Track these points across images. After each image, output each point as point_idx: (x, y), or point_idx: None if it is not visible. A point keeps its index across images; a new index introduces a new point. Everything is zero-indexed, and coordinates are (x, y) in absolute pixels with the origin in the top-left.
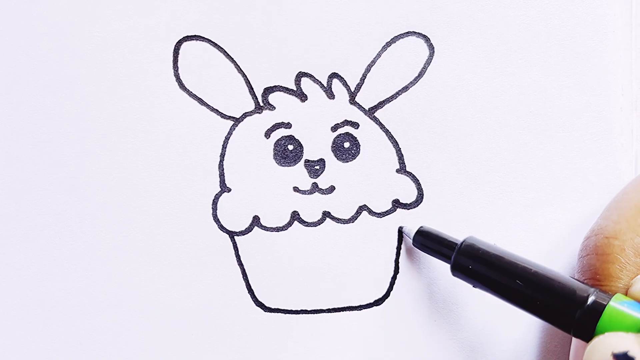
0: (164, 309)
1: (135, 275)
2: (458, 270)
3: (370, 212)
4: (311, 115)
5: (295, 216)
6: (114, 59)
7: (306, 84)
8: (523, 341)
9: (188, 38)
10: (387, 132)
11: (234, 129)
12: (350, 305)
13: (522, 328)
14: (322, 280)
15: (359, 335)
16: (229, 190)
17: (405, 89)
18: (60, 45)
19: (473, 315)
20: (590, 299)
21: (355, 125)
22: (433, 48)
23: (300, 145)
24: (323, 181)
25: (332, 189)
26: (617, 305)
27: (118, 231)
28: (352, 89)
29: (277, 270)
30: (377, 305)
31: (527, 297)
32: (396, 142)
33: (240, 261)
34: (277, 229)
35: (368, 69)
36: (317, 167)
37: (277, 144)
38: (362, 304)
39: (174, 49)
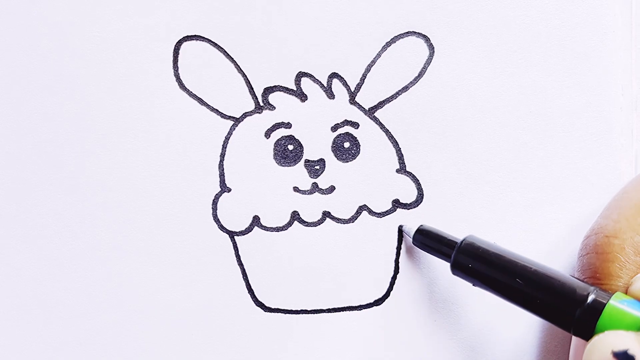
0: (164, 309)
1: (135, 275)
2: (458, 268)
3: (370, 212)
4: (311, 115)
5: (295, 216)
6: (114, 59)
7: (306, 84)
8: (523, 341)
9: (188, 38)
10: (387, 132)
11: (234, 129)
12: (350, 305)
13: (522, 328)
14: (322, 280)
15: (359, 335)
16: (229, 190)
17: (405, 89)
18: (60, 45)
19: (473, 315)
20: (590, 298)
21: (355, 125)
22: (433, 48)
23: (300, 145)
24: (323, 181)
25: (332, 189)
26: (617, 303)
27: (118, 231)
28: (352, 89)
29: (277, 270)
30: (377, 305)
31: (527, 296)
32: (396, 142)
33: (240, 261)
34: (277, 229)
35: (368, 69)
36: (317, 167)
37: (277, 144)
38: (362, 304)
39: (174, 49)
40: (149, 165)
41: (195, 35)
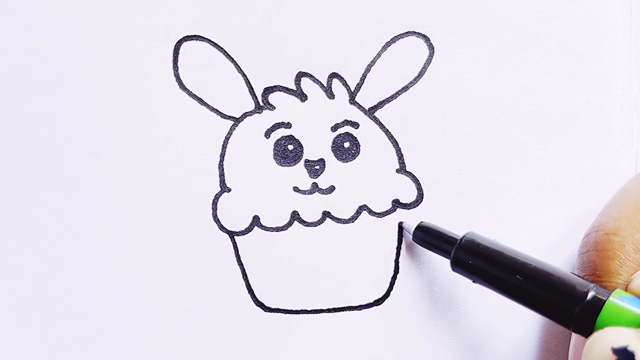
0: (164, 309)
1: (135, 275)
2: (458, 265)
3: (370, 212)
4: (311, 115)
5: (295, 216)
6: (114, 59)
7: (306, 84)
8: (523, 341)
9: (188, 38)
10: (387, 132)
11: (234, 129)
12: (350, 305)
13: (522, 328)
14: (322, 280)
15: (359, 335)
16: (229, 190)
17: (405, 89)
18: (60, 45)
19: (473, 315)
20: (590, 295)
21: (355, 125)
22: (433, 48)
23: (300, 145)
24: (323, 181)
25: (332, 189)
26: (616, 300)
27: (118, 231)
28: (352, 89)
29: (277, 270)
30: (377, 305)
31: (527, 293)
32: (396, 142)
33: (240, 261)
34: (277, 229)
35: (368, 69)
36: (317, 167)
37: (277, 144)
38: (362, 304)
39: (174, 49)
40: (149, 165)
41: (195, 35)
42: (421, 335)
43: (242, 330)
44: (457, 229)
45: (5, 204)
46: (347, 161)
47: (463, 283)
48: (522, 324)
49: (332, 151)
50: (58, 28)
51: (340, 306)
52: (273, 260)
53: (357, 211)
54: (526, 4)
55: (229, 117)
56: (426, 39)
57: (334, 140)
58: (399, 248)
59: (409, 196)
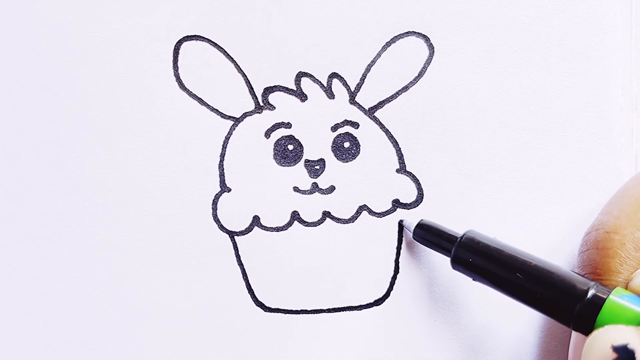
0: (164, 309)
1: (135, 275)
2: (458, 263)
3: (370, 212)
4: (311, 115)
5: (295, 216)
6: (114, 59)
7: (306, 84)
8: (523, 341)
9: (188, 38)
10: (387, 132)
11: (234, 129)
12: (350, 305)
13: (522, 328)
14: (322, 280)
15: (359, 335)
16: (229, 190)
17: (405, 88)
18: (60, 45)
19: (473, 316)
20: (590, 293)
21: (355, 125)
22: (433, 48)
23: (300, 145)
24: (323, 181)
25: (332, 189)
26: (617, 298)
27: (118, 231)
28: (352, 89)
29: (277, 270)
30: (377, 305)
31: (527, 291)
32: (396, 142)
33: (240, 261)
34: (277, 229)
35: (368, 69)
36: (317, 167)
37: (277, 143)
38: (362, 304)
39: (174, 49)
40: (149, 165)
41: (195, 35)
42: (421, 335)
43: (242, 330)
44: (457, 229)
45: (5, 204)
46: (347, 161)
47: (463, 283)
48: (522, 324)
49: (332, 151)
50: (58, 28)
51: (340, 306)
52: (273, 260)
53: (357, 211)
54: (526, 4)
55: (229, 117)
56: (426, 39)
57: (334, 140)
58: (399, 248)
59: (409, 196)
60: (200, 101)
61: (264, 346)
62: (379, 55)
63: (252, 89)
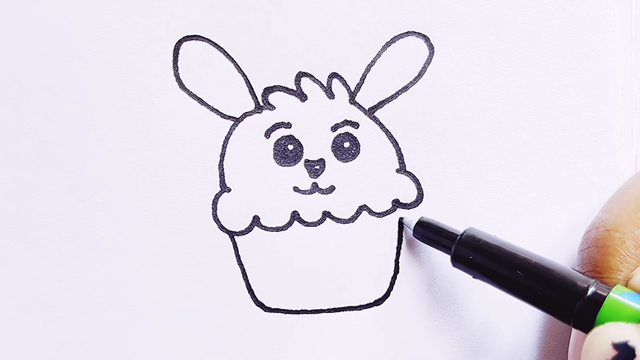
0: (164, 309)
1: (135, 275)
2: (458, 261)
3: (370, 212)
4: (311, 115)
5: (295, 216)
6: (114, 59)
7: (306, 84)
8: (523, 341)
9: (188, 38)
10: (387, 132)
11: (234, 129)
12: (350, 305)
13: (522, 328)
14: (322, 280)
15: (359, 335)
16: (229, 190)
17: (405, 88)
18: (60, 45)
19: (473, 316)
20: (591, 290)
21: (355, 125)
22: (433, 48)
23: (300, 145)
24: (323, 181)
25: (332, 188)
26: (617, 296)
27: (118, 231)
28: (352, 89)
29: (277, 270)
30: (377, 305)
31: (527, 288)
32: (396, 142)
33: (240, 261)
34: (277, 229)
35: (368, 69)
36: (317, 167)
37: (277, 143)
38: (362, 304)
39: (174, 49)
40: (149, 165)
41: (195, 35)
42: (421, 335)
43: (242, 330)
44: (457, 229)
45: (5, 204)
46: (347, 161)
47: (463, 283)
48: (522, 324)
49: (332, 151)
50: (58, 28)
51: (340, 306)
52: (273, 260)
53: (357, 211)
54: (526, 4)
55: (229, 117)
56: (426, 39)
57: (334, 140)
58: (399, 248)
59: (409, 196)
60: (200, 101)
61: (264, 346)
62: (379, 55)
63: (252, 89)
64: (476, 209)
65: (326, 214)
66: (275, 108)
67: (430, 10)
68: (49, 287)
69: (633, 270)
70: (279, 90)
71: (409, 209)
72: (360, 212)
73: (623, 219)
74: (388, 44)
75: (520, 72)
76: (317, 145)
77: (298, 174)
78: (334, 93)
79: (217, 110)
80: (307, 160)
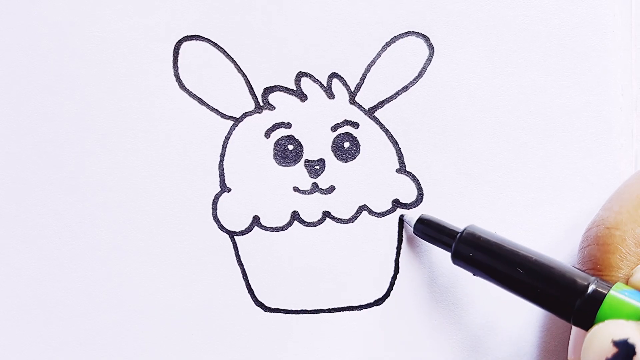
0: (164, 309)
1: (135, 275)
2: (459, 258)
3: (370, 212)
4: (311, 115)
5: (295, 216)
6: (114, 59)
7: (306, 84)
8: (523, 341)
9: (188, 38)
10: (387, 132)
11: (234, 129)
12: (350, 305)
13: (522, 328)
14: (322, 280)
15: (359, 335)
16: (229, 190)
17: (405, 88)
18: (60, 45)
19: (473, 315)
20: (591, 288)
21: (355, 125)
22: (433, 48)
23: (300, 145)
24: (323, 181)
25: (332, 188)
26: (617, 294)
27: (118, 231)
28: (352, 89)
29: (277, 270)
30: (377, 305)
31: (528, 286)
32: (396, 142)
33: (240, 261)
34: (277, 229)
35: (368, 69)
36: (317, 167)
37: (277, 143)
38: (362, 304)
39: (174, 49)
40: (149, 165)
41: (195, 35)
42: (421, 335)
43: (242, 330)
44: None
45: (5, 204)
46: (347, 161)
47: (463, 283)
48: (522, 323)
49: (332, 151)
50: (58, 28)
51: (340, 306)
52: (273, 260)
53: (357, 211)
54: (526, 4)
55: (229, 117)
56: (426, 39)
57: (334, 140)
58: (399, 248)
59: (409, 196)
60: (200, 101)
61: (264, 346)
62: (379, 55)
63: (252, 89)
64: (476, 209)
65: (326, 214)
66: (275, 108)
67: (430, 10)
68: (49, 287)
69: (633, 268)
70: (279, 90)
71: (409, 209)
72: (360, 212)
73: (624, 216)
74: (388, 44)
75: (520, 72)
76: (317, 145)
77: (298, 174)
78: (334, 93)
79: (217, 110)
80: (307, 160)
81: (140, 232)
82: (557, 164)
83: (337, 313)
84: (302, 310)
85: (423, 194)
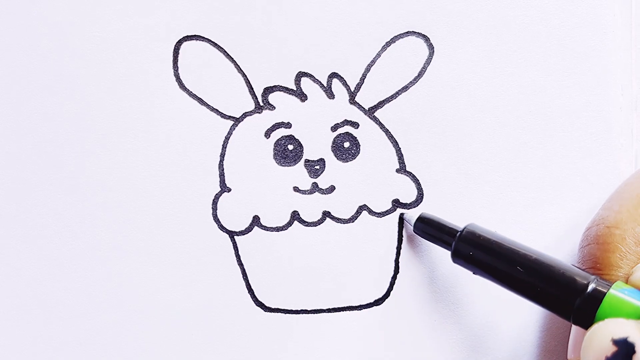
0: (164, 309)
1: (135, 275)
2: (459, 257)
3: (370, 212)
4: (311, 115)
5: (295, 216)
6: (114, 59)
7: (306, 84)
8: (523, 341)
9: (188, 38)
10: (387, 132)
11: (234, 128)
12: (350, 305)
13: (522, 328)
14: (322, 280)
15: (359, 335)
16: (229, 190)
17: (405, 88)
18: (60, 45)
19: (473, 315)
20: (591, 287)
21: (355, 125)
22: (433, 48)
23: (300, 145)
24: (323, 181)
25: (332, 188)
26: (617, 292)
27: (118, 231)
28: (352, 89)
29: (277, 270)
30: (377, 305)
31: (528, 284)
32: (396, 142)
33: (240, 261)
34: (277, 229)
35: (368, 69)
36: (317, 167)
37: (277, 143)
38: (362, 304)
39: (174, 49)
40: (149, 165)
41: (195, 35)
42: (421, 335)
43: (242, 330)
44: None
45: (5, 204)
46: (347, 161)
47: (463, 283)
48: (522, 323)
49: (332, 151)
50: (58, 28)
51: (340, 306)
52: (273, 260)
53: (357, 211)
54: (526, 4)
55: (229, 117)
56: (426, 39)
57: (334, 140)
58: (399, 248)
59: (409, 196)
60: (200, 101)
61: (264, 346)
62: (379, 55)
63: (252, 89)
64: (476, 209)
65: (326, 214)
66: (275, 108)
67: (430, 10)
68: (49, 287)
69: (633, 267)
70: (279, 90)
71: (409, 208)
72: (360, 212)
73: (624, 215)
74: (388, 44)
75: (520, 72)
76: (317, 145)
77: (298, 174)
78: (334, 93)
79: (217, 110)
80: (307, 160)
81: (140, 232)
82: (557, 164)
83: (337, 313)
84: (302, 310)
85: (423, 194)
